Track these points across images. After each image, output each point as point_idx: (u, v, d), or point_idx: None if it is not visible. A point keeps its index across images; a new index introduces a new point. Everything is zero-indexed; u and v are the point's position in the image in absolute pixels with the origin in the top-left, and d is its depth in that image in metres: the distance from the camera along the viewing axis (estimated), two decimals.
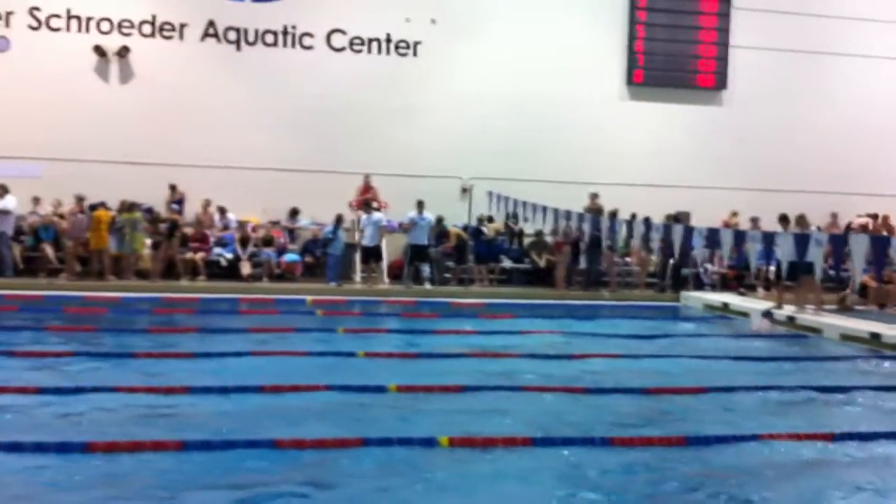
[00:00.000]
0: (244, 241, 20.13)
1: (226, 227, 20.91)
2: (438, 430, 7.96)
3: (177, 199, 20.78)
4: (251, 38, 22.25)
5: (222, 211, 21.12)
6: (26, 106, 20.75)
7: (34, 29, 21.25)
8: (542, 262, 21.25)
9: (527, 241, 21.88)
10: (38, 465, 6.80)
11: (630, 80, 23.89)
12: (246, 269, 19.73)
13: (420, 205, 20.10)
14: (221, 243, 20.36)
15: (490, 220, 21.54)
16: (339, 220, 19.92)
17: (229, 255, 20.02)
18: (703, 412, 9.30)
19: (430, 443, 7.60)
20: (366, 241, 20.01)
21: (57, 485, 6.47)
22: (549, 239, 21.13)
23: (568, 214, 18.93)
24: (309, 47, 22.56)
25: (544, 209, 19.14)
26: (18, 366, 10.45)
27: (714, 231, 16.34)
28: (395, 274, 20.76)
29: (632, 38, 23.81)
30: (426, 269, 20.31)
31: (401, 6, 22.88)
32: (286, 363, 11.08)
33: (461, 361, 11.64)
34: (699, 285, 20.72)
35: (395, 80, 22.74)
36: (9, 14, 21.08)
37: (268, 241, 20.39)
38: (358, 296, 18.97)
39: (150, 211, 19.70)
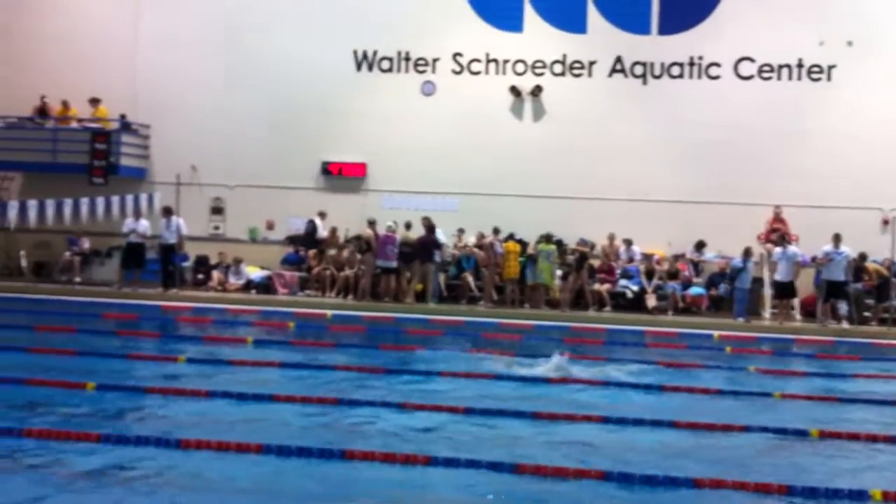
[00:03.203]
0: (649, 274, 20.25)
1: (631, 260, 21.19)
2: (868, 482, 7.48)
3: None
4: (657, 71, 22.45)
5: (628, 243, 21.43)
6: (447, 145, 22.59)
7: (456, 73, 23.12)
8: None
9: None
10: (470, 483, 7.33)
11: None
12: (651, 301, 19.83)
13: (836, 238, 18.94)
14: (627, 275, 20.66)
15: None
16: (747, 253, 19.32)
17: (634, 288, 20.25)
18: None
19: (860, 496, 7.14)
20: (779, 276, 19.17)
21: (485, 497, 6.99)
22: None
23: None
24: (715, 77, 22.29)
25: None
26: (446, 386, 11.39)
27: None
28: (808, 311, 19.72)
29: None
30: (843, 307, 19.04)
31: (814, 30, 21.87)
32: (698, 400, 11.01)
33: (889, 409, 10.81)
34: None
35: (805, 107, 21.78)
36: (435, 60, 23.14)
37: (673, 274, 20.35)
38: (768, 333, 18.26)
39: (559, 243, 20.49)
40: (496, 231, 20.55)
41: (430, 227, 20.14)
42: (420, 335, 16.11)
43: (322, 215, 22.04)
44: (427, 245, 20.01)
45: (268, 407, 9.78)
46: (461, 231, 21.52)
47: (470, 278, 20.50)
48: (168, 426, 8.75)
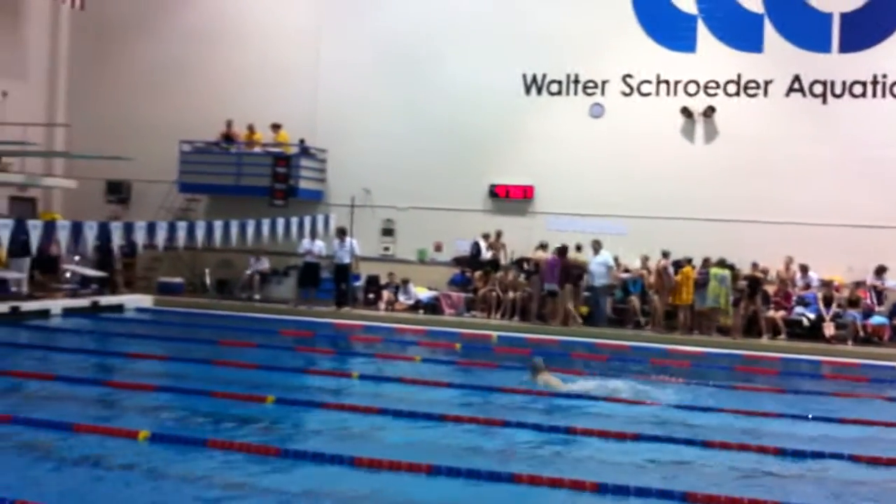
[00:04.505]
0: (827, 301, 19.38)
1: (808, 286, 20.35)
2: None
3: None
4: (838, 90, 21.51)
5: (804, 269, 20.57)
6: (615, 167, 22.39)
7: (626, 95, 22.89)
8: None
9: None
10: None
11: None
12: (829, 330, 18.96)
13: None
14: (803, 302, 19.86)
15: None
16: None
17: (811, 315, 19.43)
18: None
19: None
20: None
21: None
22: None
23: None
24: None
25: None
26: (610, 411, 11.28)
27: None
28: None
29: None
30: None
31: None
32: (881, 433, 10.52)
33: None
34: None
35: None
36: (604, 83, 22.99)
37: (853, 302, 19.41)
38: None
39: (731, 267, 19.90)
40: (665, 254, 20.18)
41: (561, 251, 20.04)
42: (585, 359, 16.01)
43: (486, 237, 22.29)
44: (566, 268, 19.91)
45: (437, 427, 9.99)
46: (615, 258, 21.18)
47: (637, 302, 20.22)
48: (342, 442, 9.09)
